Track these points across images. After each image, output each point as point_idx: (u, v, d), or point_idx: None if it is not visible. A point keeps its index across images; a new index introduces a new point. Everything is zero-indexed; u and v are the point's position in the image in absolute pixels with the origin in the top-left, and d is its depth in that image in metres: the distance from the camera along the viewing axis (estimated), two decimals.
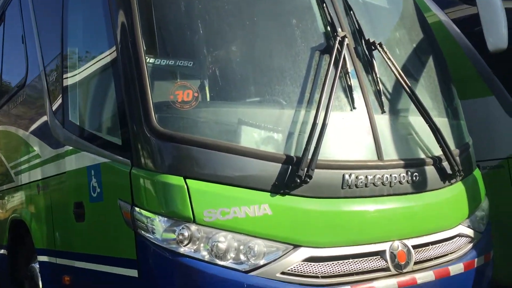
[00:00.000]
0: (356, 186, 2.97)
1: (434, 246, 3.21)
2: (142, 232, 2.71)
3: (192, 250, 2.63)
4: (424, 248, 3.16)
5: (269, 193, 2.77)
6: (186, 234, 2.62)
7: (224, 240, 2.65)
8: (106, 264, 3.09)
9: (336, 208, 2.94)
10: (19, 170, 4.74)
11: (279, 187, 2.78)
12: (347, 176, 2.94)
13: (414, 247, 3.09)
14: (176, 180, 2.66)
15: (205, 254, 2.63)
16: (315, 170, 2.80)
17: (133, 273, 2.80)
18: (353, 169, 2.98)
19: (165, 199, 2.68)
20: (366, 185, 3.01)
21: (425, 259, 3.14)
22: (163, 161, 2.74)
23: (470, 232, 3.43)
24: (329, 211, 2.92)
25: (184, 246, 2.62)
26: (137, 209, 2.75)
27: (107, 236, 3.14)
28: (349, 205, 2.99)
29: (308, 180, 2.79)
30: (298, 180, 2.78)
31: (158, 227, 2.67)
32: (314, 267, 2.79)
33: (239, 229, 2.68)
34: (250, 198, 2.72)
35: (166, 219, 2.66)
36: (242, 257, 2.68)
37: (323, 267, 2.81)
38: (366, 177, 3.00)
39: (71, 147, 3.50)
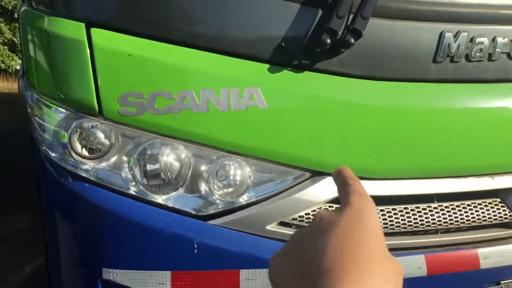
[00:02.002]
0: (470, 57, 1.42)
1: None
2: (36, 126, 1.48)
3: (105, 168, 1.36)
4: None
5: (267, 65, 1.33)
6: (90, 138, 1.33)
7: (164, 154, 1.33)
8: None
9: (415, 102, 1.43)
10: None
11: (286, 53, 1.32)
12: (449, 36, 1.40)
13: None
14: (71, 28, 1.30)
15: (128, 179, 1.36)
16: (371, 20, 1.29)
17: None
18: (466, 23, 1.41)
19: (55, 66, 1.37)
20: (491, 57, 1.44)
21: None
22: None
23: None
24: (397, 107, 1.43)
25: (86, 159, 1.35)
26: (30, 85, 1.50)
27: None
28: (445, 95, 1.46)
29: (353, 41, 1.29)
30: (329, 40, 1.28)
31: (49, 120, 1.41)
32: None
33: (198, 136, 1.33)
34: (222, 74, 1.31)
35: (58, 108, 1.38)
36: (203, 188, 1.36)
37: None
38: (493, 39, 1.42)
39: None
